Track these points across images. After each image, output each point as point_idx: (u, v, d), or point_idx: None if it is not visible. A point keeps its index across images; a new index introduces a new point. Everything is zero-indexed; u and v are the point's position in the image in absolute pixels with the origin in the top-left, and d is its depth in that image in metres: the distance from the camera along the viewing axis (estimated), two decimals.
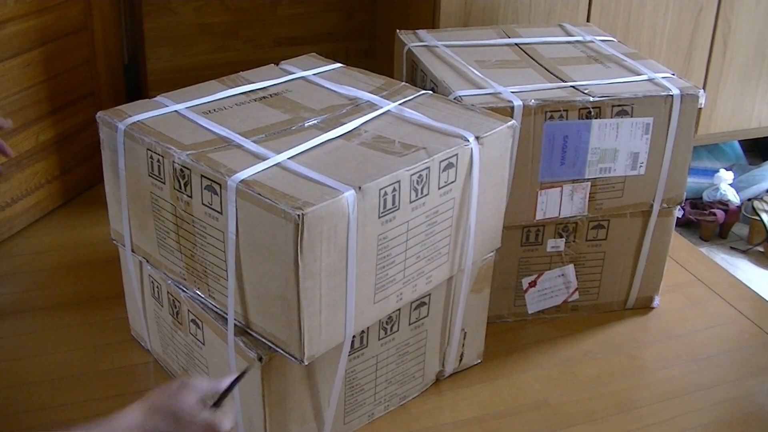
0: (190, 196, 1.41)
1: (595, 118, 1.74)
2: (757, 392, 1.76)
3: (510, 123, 1.56)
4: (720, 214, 2.74)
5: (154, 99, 1.63)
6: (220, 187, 1.34)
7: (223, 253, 1.39)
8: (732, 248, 2.74)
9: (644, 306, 2.00)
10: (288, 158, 1.39)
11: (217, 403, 1.11)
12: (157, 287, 1.63)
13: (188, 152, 1.40)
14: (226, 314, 1.43)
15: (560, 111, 1.72)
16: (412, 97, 1.65)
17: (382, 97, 1.64)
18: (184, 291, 1.53)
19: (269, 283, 1.33)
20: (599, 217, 1.86)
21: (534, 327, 1.92)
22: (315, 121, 1.53)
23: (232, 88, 1.67)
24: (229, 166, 1.35)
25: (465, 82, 1.78)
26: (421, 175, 1.40)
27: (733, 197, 2.80)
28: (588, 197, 1.82)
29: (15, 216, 2.23)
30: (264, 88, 1.68)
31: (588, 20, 2.49)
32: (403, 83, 1.73)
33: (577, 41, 2.05)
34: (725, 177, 2.82)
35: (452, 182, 1.47)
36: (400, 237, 1.41)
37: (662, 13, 2.58)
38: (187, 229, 1.45)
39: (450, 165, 1.45)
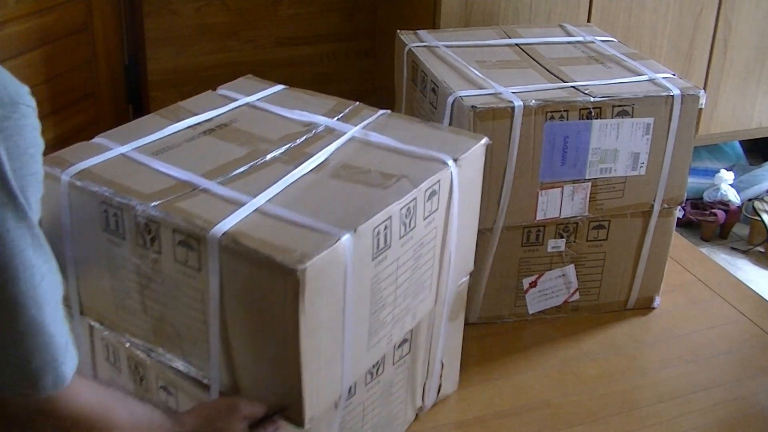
0: (159, 253, 1.22)
1: (596, 119, 1.74)
2: (757, 393, 1.76)
3: (483, 140, 1.47)
4: (720, 214, 2.74)
5: (93, 141, 1.42)
6: (199, 243, 1.16)
7: (201, 313, 1.21)
8: (732, 248, 2.74)
9: (645, 306, 2.00)
10: (266, 201, 1.23)
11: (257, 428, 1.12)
12: (113, 351, 1.41)
13: (153, 203, 1.21)
14: (207, 380, 1.26)
15: (561, 111, 1.72)
16: (372, 118, 1.52)
17: (339, 120, 1.50)
18: (150, 355, 1.34)
19: (262, 345, 1.18)
20: (600, 218, 1.86)
21: (534, 327, 1.92)
22: (276, 153, 1.38)
23: (175, 122, 1.48)
24: (204, 217, 1.18)
25: (465, 82, 1.78)
26: (409, 207, 1.28)
27: (734, 197, 2.80)
28: (588, 197, 1.82)
29: None
30: (209, 119, 1.50)
31: (588, 20, 2.49)
32: (357, 103, 1.58)
33: (578, 41, 2.05)
34: (726, 177, 2.82)
35: (435, 210, 1.37)
36: (390, 277, 1.30)
37: (663, 13, 2.58)
38: (155, 288, 1.26)
39: (434, 193, 1.34)
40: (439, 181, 1.35)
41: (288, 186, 1.28)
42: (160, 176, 1.30)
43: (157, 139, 1.42)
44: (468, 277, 1.61)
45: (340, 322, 1.21)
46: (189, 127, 1.47)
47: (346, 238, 1.15)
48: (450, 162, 1.37)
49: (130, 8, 2.50)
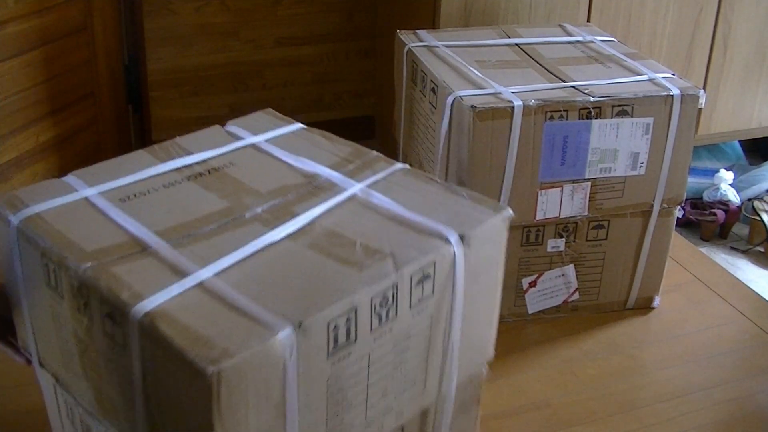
0: (91, 321, 1.08)
1: (596, 118, 1.74)
2: (757, 392, 1.76)
3: (505, 213, 1.23)
4: (720, 214, 2.74)
5: (64, 179, 1.30)
6: (122, 318, 1.02)
7: (131, 392, 1.08)
8: (732, 248, 2.74)
9: (644, 306, 2.00)
10: (214, 274, 1.06)
11: None
12: (71, 410, 1.30)
13: (87, 264, 1.06)
14: None
15: (560, 111, 1.72)
16: (384, 174, 1.32)
17: (346, 174, 1.31)
18: (97, 425, 1.21)
19: None
20: (599, 217, 1.86)
21: (534, 327, 1.92)
22: (259, 210, 1.20)
23: (164, 161, 1.33)
24: (135, 288, 1.02)
25: (465, 82, 1.78)
26: (385, 296, 1.08)
27: (734, 197, 2.80)
28: (588, 197, 1.82)
29: None
30: (203, 161, 1.34)
31: (588, 20, 2.49)
32: (376, 153, 1.39)
33: (578, 41, 2.05)
34: (725, 177, 2.82)
35: (429, 297, 1.15)
36: (359, 375, 1.10)
37: (662, 13, 2.58)
38: (91, 357, 1.13)
39: (426, 277, 1.13)
40: (434, 263, 1.13)
41: (250, 255, 1.10)
42: (114, 229, 1.15)
43: (133, 182, 1.27)
44: (485, 365, 1.37)
45: (281, 428, 1.02)
46: (175, 169, 1.31)
47: (285, 333, 0.96)
48: (454, 239, 1.15)
49: (130, 8, 2.50)
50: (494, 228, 1.22)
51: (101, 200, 1.23)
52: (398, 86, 2.07)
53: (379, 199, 1.24)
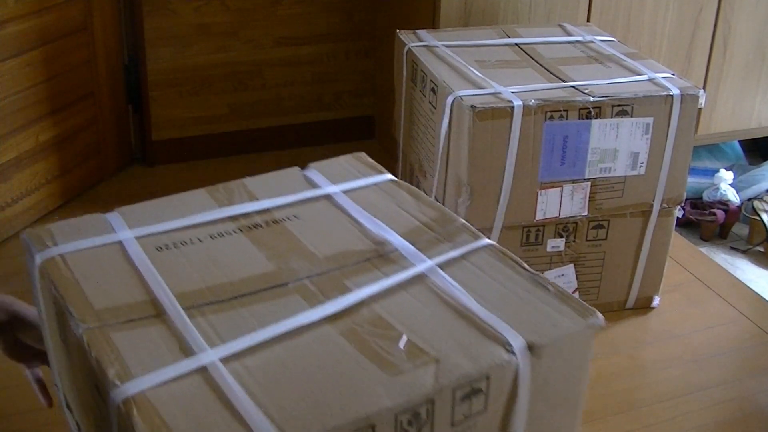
0: (86, 383, 1.01)
1: (595, 118, 1.74)
2: (757, 392, 1.76)
3: (593, 319, 1.04)
4: (720, 214, 2.74)
5: (108, 215, 1.18)
6: (105, 394, 0.91)
7: None
8: (732, 248, 2.74)
9: (644, 306, 2.00)
10: (223, 357, 0.92)
11: None
12: None
13: (87, 325, 0.96)
14: None
15: (560, 111, 1.72)
16: (463, 250, 1.13)
17: (420, 245, 1.13)
18: None
19: None
20: (599, 217, 1.86)
21: None
22: (306, 279, 1.06)
23: (222, 206, 1.20)
24: (126, 364, 0.91)
25: (465, 82, 1.78)
26: (416, 412, 0.90)
27: (733, 197, 2.80)
28: (588, 197, 1.82)
29: (15, 216, 2.23)
30: (265, 210, 1.20)
31: (588, 20, 2.49)
32: (462, 222, 1.19)
33: (577, 41, 2.05)
34: (725, 177, 2.82)
35: (479, 413, 0.95)
36: None
37: (662, 13, 2.58)
38: (90, 418, 1.06)
39: (474, 392, 0.93)
40: (487, 376, 0.94)
41: (275, 338, 0.96)
42: (134, 284, 1.04)
43: (178, 228, 1.15)
44: None
45: None
46: (230, 217, 1.18)
47: None
48: (519, 347, 0.96)
49: (130, 8, 2.50)
50: (576, 337, 1.02)
51: (135, 247, 1.11)
52: (398, 86, 2.07)
53: (448, 283, 1.06)
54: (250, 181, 1.26)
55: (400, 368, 0.92)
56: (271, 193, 1.24)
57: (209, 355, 0.92)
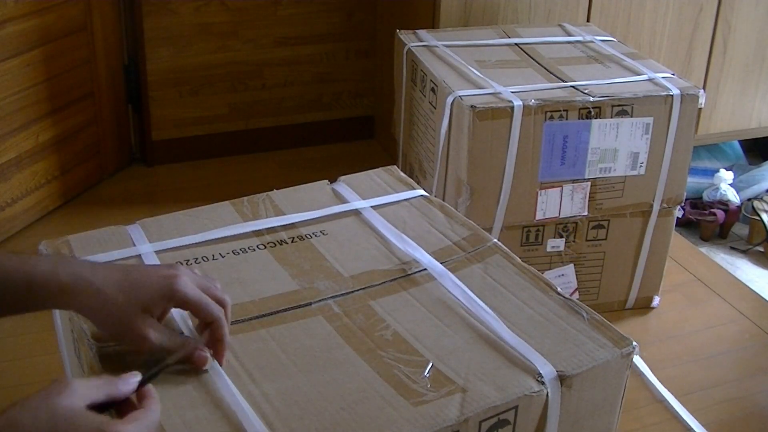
0: None
1: (595, 118, 1.74)
2: (757, 392, 1.76)
3: (627, 349, 0.99)
4: (720, 214, 2.74)
5: (129, 227, 1.15)
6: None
7: None
8: (732, 248, 2.74)
9: (644, 306, 2.00)
10: (239, 383, 0.90)
11: (120, 410, 0.80)
12: None
13: (99, 344, 0.93)
14: None
15: (560, 111, 1.72)
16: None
17: (450, 266, 1.09)
18: None
19: None
20: (599, 217, 1.86)
21: None
22: (330, 299, 1.02)
23: (247, 221, 1.17)
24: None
25: (465, 82, 1.78)
26: None
27: (733, 197, 2.80)
28: (588, 197, 1.82)
29: (15, 216, 2.23)
30: (291, 225, 1.16)
31: (588, 20, 2.48)
32: (494, 242, 1.17)
33: (577, 41, 2.05)
34: (725, 177, 2.82)
35: None
36: None
37: (662, 13, 2.58)
38: None
39: (502, 423, 0.89)
40: (515, 408, 0.89)
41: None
42: None
43: (201, 243, 1.11)
44: None
45: None
46: (254, 232, 1.14)
47: None
48: (549, 378, 0.91)
49: (130, 8, 2.50)
50: (610, 367, 0.96)
51: (155, 261, 1.08)
52: (398, 86, 2.07)
53: (478, 306, 1.02)
54: (276, 195, 1.23)
55: (424, 397, 0.87)
56: (299, 206, 1.20)
57: (226, 381, 0.88)
